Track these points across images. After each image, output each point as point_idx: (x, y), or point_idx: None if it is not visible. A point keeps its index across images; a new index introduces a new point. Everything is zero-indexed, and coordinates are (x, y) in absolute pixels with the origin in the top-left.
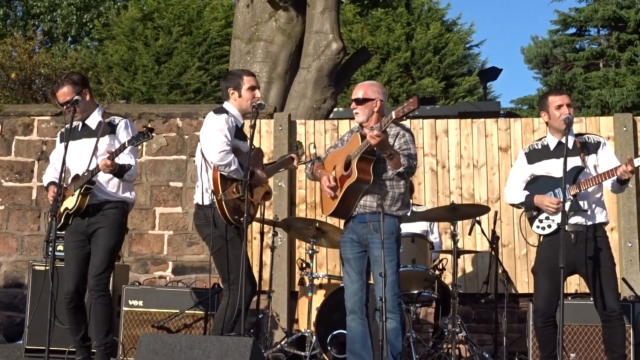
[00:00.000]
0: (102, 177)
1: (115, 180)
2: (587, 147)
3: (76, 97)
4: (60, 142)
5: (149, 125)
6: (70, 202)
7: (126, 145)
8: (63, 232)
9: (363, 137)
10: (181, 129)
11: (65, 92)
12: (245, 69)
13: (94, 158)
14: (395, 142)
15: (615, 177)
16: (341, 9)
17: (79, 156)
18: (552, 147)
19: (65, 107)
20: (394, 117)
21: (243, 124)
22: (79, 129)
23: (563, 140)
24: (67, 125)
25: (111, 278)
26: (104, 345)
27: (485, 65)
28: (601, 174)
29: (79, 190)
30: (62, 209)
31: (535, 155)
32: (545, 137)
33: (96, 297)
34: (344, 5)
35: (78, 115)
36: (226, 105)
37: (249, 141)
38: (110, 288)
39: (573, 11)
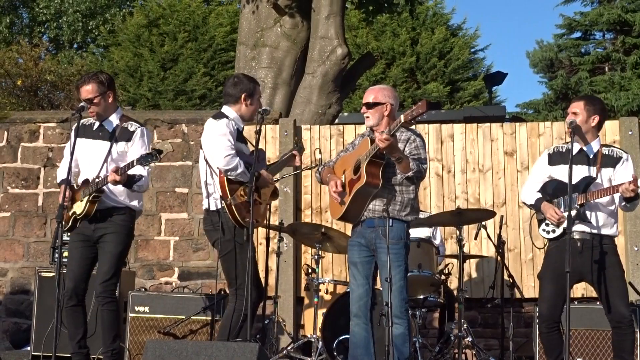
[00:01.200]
0: (111, 184)
1: (124, 188)
2: (606, 160)
3: (82, 104)
4: (75, 137)
5: (157, 148)
6: (78, 208)
7: (134, 164)
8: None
9: (373, 141)
10: (187, 135)
11: (89, 90)
12: (253, 78)
13: (105, 164)
14: (406, 147)
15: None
16: (346, 14)
17: (91, 157)
18: (574, 152)
19: (86, 103)
20: (402, 120)
21: (243, 127)
22: (94, 128)
23: (584, 147)
24: (81, 122)
25: (118, 284)
26: (111, 352)
27: (491, 70)
28: (608, 188)
29: (87, 197)
30: (70, 212)
31: (557, 157)
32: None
33: (103, 303)
34: (349, 10)
35: (94, 115)
36: (225, 109)
37: (251, 146)
38: (117, 294)
39: (578, 15)
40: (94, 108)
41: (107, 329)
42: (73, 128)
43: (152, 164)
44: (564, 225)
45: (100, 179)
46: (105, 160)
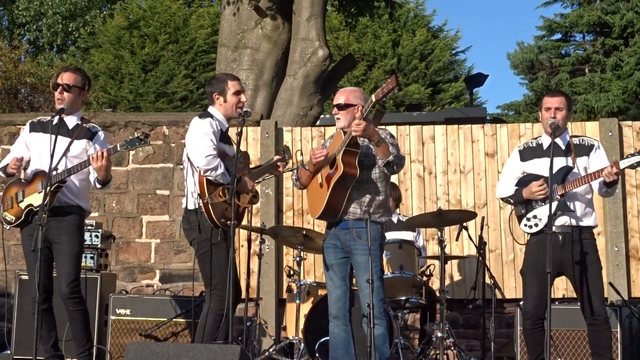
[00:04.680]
0: (68, 180)
1: (78, 185)
2: (579, 149)
3: (62, 106)
4: (30, 131)
5: (140, 133)
6: (36, 199)
7: (118, 149)
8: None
9: (345, 133)
10: (168, 137)
11: (72, 77)
12: (230, 74)
13: (64, 158)
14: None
15: (601, 179)
16: (327, 16)
17: (48, 151)
18: (545, 147)
19: (56, 88)
20: (374, 100)
21: (228, 128)
22: (54, 124)
23: (556, 140)
24: (46, 119)
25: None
26: (88, 351)
27: (472, 72)
28: (588, 175)
29: (49, 187)
30: (24, 205)
31: (528, 153)
32: (541, 136)
33: (72, 304)
34: (330, 12)
35: (62, 103)
36: (211, 109)
37: (235, 148)
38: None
39: (558, 17)
40: (67, 95)
41: (81, 330)
42: (27, 124)
43: (132, 151)
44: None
45: (68, 169)
46: (64, 155)
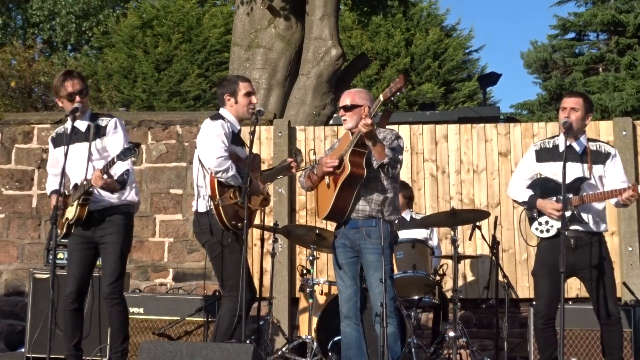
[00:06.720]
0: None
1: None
2: (596, 156)
3: (76, 105)
4: (54, 147)
5: (129, 144)
6: (70, 212)
7: (115, 161)
8: (66, 241)
9: (353, 134)
10: (181, 136)
11: (77, 83)
12: (241, 75)
13: (90, 163)
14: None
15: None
16: (340, 15)
17: (75, 161)
18: (561, 149)
19: (72, 98)
20: (382, 99)
21: (240, 130)
22: (69, 132)
23: (573, 143)
24: (62, 129)
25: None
26: (120, 352)
27: (485, 71)
28: (606, 192)
29: (77, 200)
30: (63, 219)
31: (544, 154)
32: (558, 135)
33: (112, 304)
34: (343, 11)
35: (83, 107)
36: (222, 111)
37: (247, 148)
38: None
39: (572, 16)
40: (83, 101)
41: (117, 330)
42: (49, 140)
43: (133, 158)
44: (559, 224)
45: (87, 181)
46: (89, 160)
